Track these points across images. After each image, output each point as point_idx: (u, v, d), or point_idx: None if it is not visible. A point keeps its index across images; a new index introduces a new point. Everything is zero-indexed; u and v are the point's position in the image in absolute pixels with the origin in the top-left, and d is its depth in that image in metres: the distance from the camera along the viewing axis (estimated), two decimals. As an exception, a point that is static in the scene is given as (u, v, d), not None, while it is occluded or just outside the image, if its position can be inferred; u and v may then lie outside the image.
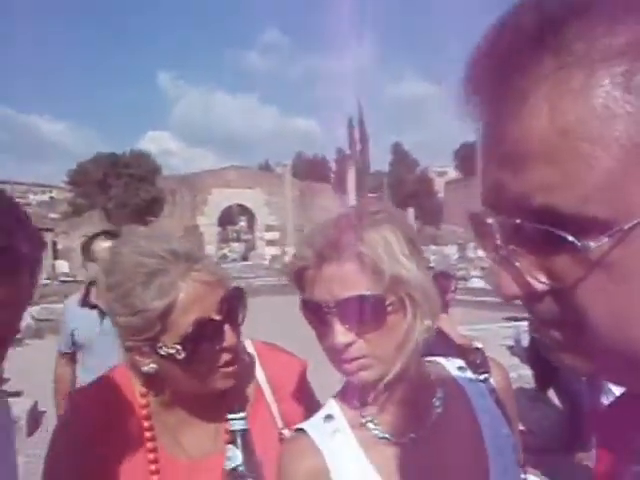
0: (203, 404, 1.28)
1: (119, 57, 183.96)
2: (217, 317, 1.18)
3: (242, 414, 1.17)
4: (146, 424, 1.27)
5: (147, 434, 1.27)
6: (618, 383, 0.59)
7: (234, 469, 1.15)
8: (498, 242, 0.50)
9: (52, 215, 38.73)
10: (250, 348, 1.42)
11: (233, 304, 1.23)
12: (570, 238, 0.44)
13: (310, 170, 62.46)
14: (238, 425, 1.16)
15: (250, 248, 44.72)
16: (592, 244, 0.44)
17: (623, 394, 0.64)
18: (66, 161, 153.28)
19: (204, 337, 1.16)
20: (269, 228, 42.18)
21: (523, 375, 6.18)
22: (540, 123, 0.45)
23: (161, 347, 1.16)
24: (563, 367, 0.53)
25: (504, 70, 0.48)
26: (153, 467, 1.25)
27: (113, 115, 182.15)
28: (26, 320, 12.23)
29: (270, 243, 41.24)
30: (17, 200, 0.92)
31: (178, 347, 1.15)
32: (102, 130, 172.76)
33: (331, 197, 43.07)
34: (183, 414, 1.30)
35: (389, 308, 1.02)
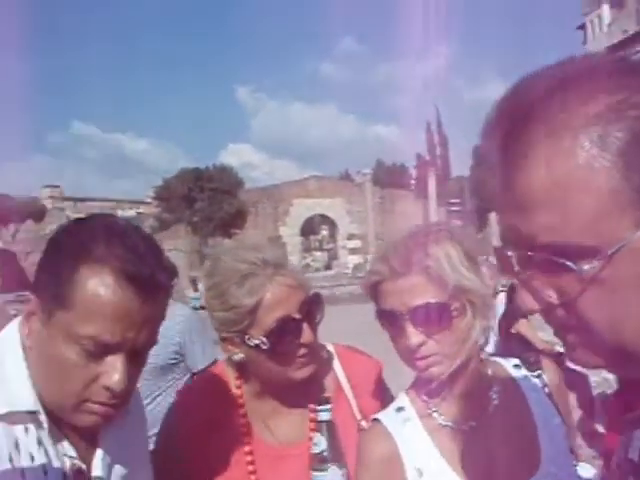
0: (289, 394, 1.47)
1: (199, 74, 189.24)
2: (297, 316, 1.38)
3: (328, 406, 1.34)
4: (241, 411, 1.48)
5: (242, 420, 1.47)
6: (619, 374, 0.73)
7: (320, 453, 1.31)
8: (517, 269, 0.66)
9: (140, 230, 39.84)
10: (330, 347, 1.60)
11: (312, 306, 1.42)
12: (569, 264, 0.59)
13: (390, 177, 62.12)
14: (324, 416, 1.33)
15: (333, 257, 44.88)
16: (586, 267, 0.59)
17: (622, 383, 0.79)
18: (149, 177, 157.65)
19: (285, 332, 1.36)
20: (351, 237, 42.18)
21: (607, 378, 6.04)
22: (539, 178, 0.60)
23: (249, 338, 1.37)
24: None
25: (509, 136, 0.63)
26: (247, 448, 1.45)
27: (194, 131, 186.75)
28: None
29: (352, 251, 41.26)
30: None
31: (263, 339, 1.35)
32: (184, 145, 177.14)
33: (412, 204, 42.69)
34: (272, 403, 1.50)
35: (453, 312, 1.20)
